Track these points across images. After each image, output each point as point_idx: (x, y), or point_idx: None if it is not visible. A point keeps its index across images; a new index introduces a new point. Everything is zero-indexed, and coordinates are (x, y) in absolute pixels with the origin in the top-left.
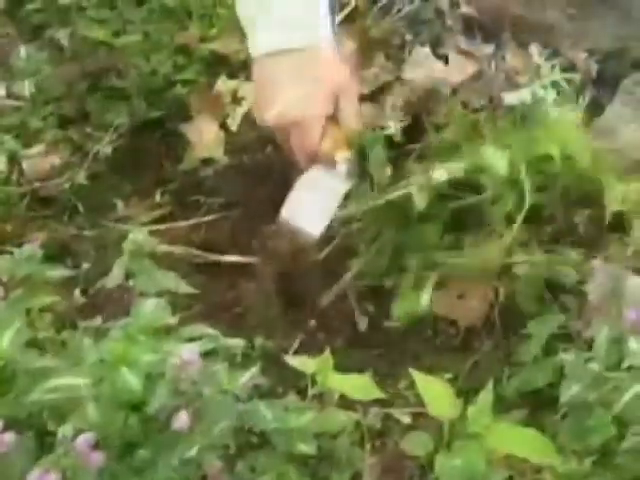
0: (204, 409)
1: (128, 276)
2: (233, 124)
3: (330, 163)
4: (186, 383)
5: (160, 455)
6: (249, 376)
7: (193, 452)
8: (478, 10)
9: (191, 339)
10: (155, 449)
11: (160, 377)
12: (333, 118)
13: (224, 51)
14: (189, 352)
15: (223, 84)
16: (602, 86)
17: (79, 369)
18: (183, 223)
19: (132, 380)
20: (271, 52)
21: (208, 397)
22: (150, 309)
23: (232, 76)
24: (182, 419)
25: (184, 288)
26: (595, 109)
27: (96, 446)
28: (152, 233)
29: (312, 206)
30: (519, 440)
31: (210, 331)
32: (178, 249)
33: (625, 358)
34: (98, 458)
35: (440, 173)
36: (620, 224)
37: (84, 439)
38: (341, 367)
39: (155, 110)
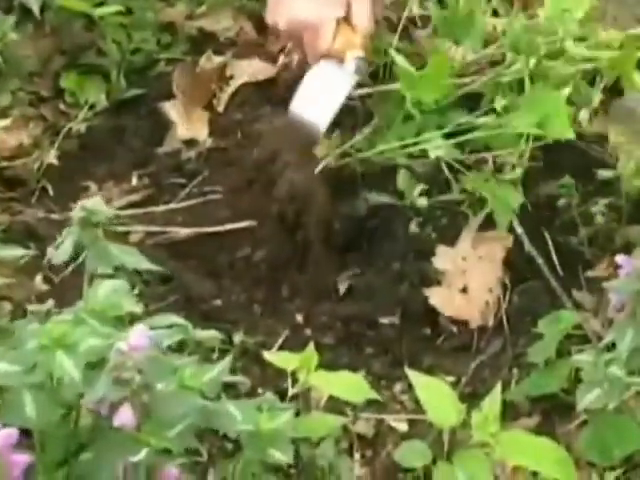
0: (156, 405)
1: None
2: (219, 104)
3: (340, 60)
4: (131, 372)
5: (104, 458)
6: (217, 371)
7: (141, 455)
8: None
9: (157, 329)
10: (99, 451)
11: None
12: (347, 21)
13: (212, 29)
14: (138, 335)
15: (209, 61)
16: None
17: (16, 354)
18: (162, 208)
19: (69, 366)
20: None
21: (160, 391)
22: (106, 291)
23: (220, 54)
24: (125, 414)
25: (146, 265)
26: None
27: (25, 445)
28: (128, 218)
29: (319, 98)
30: (530, 451)
31: (180, 321)
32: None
33: None
34: (22, 460)
35: None
36: None
37: (5, 436)
38: (330, 367)
39: (135, 88)
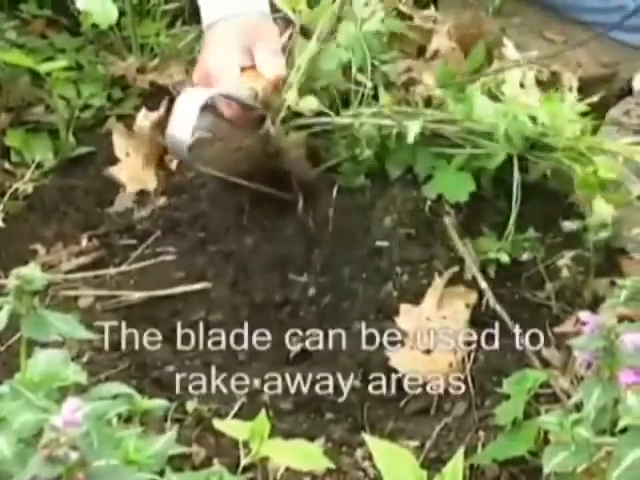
0: None
1: None
2: (172, 161)
3: None
4: (65, 448)
5: None
6: (163, 443)
7: None
8: None
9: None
10: None
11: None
12: (254, 69)
13: (164, 82)
14: (70, 409)
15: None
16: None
17: None
18: (112, 270)
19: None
20: (212, 22)
21: (99, 467)
22: (44, 361)
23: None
24: None
25: (84, 334)
26: None
27: None
28: (77, 282)
29: (179, 114)
30: None
31: (126, 390)
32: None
33: (621, 418)
34: None
35: None
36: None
37: None
38: (288, 433)
39: (85, 146)
